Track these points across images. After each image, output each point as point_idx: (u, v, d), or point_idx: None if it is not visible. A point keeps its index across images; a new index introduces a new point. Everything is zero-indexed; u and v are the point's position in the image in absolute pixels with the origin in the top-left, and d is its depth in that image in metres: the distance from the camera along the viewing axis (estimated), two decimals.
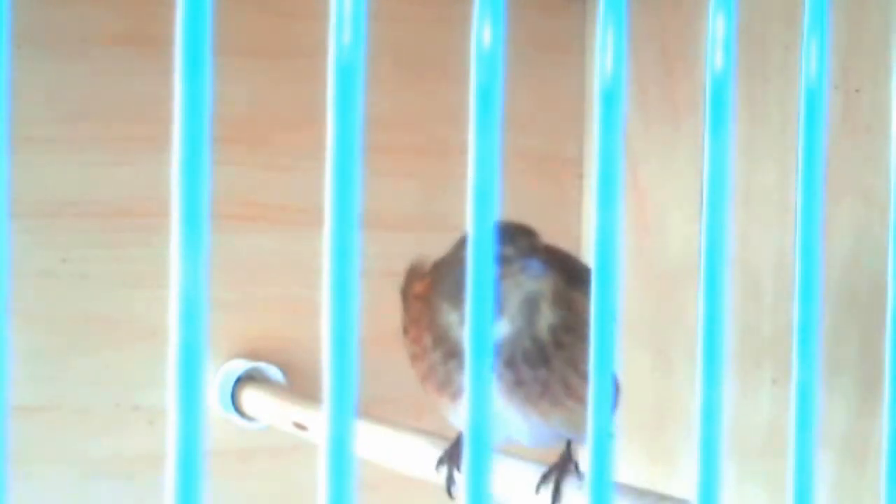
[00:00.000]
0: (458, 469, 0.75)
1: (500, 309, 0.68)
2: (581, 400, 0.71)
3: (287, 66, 1.00)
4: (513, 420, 0.71)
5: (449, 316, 0.71)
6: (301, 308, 1.01)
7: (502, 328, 0.69)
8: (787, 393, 0.35)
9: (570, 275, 0.72)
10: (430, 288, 0.73)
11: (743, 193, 0.92)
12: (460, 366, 0.70)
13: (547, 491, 0.70)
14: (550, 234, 0.75)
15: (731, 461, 0.92)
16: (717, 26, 0.33)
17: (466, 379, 0.30)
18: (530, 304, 0.69)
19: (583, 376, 0.70)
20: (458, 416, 0.73)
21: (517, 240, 0.67)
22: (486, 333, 0.30)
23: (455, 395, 0.72)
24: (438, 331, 0.71)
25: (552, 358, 0.70)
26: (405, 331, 0.75)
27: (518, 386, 0.70)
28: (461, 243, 0.70)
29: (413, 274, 0.75)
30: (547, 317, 0.69)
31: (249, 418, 0.98)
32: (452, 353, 0.71)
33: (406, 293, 0.75)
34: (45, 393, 0.96)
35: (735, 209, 0.91)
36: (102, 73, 0.97)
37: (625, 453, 1.01)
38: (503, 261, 0.67)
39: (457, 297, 0.70)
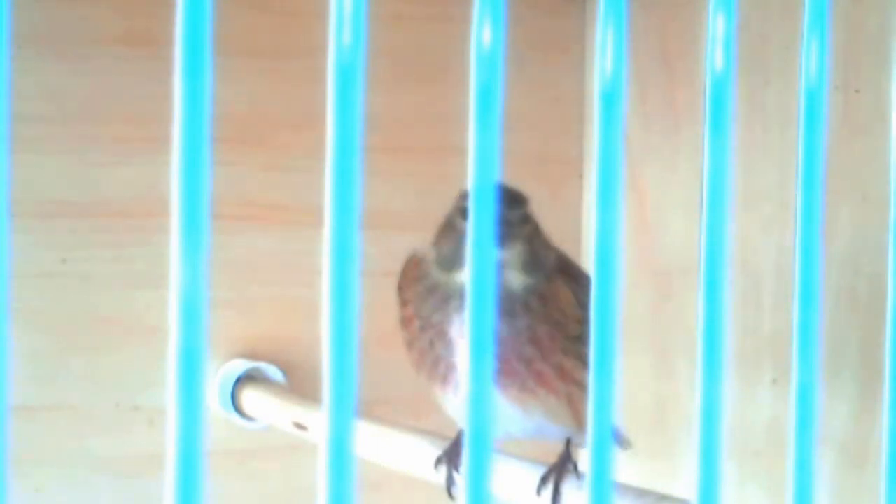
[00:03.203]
0: (457, 470, 0.75)
1: (462, 262, 0.69)
2: (556, 391, 0.71)
3: (287, 66, 1.00)
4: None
5: (439, 277, 0.71)
6: (301, 308, 1.01)
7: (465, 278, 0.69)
8: (787, 393, 0.35)
9: (563, 266, 0.72)
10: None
11: (743, 193, 0.92)
12: (448, 340, 0.70)
13: (547, 492, 0.70)
14: (550, 235, 0.75)
15: (731, 461, 0.92)
16: (717, 26, 0.33)
17: (465, 373, 0.30)
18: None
19: (554, 367, 0.70)
20: (453, 405, 0.73)
21: (507, 209, 0.68)
22: (487, 333, 0.30)
23: (446, 378, 0.72)
24: (428, 298, 0.72)
25: (520, 314, 0.70)
26: (401, 321, 0.75)
27: None
28: (453, 210, 0.71)
29: (409, 265, 0.75)
30: (515, 278, 0.70)
31: (249, 418, 0.98)
32: (442, 318, 0.71)
33: (399, 283, 0.75)
34: (45, 393, 0.96)
35: (735, 209, 0.91)
36: (102, 73, 0.97)
37: (625, 453, 1.01)
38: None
39: (448, 259, 0.70)
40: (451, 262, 0.70)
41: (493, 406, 0.71)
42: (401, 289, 0.75)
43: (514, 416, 0.72)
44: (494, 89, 0.30)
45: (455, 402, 0.72)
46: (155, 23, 0.95)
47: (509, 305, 0.70)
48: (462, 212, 0.69)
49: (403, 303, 0.74)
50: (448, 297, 0.70)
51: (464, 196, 0.70)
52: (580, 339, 0.71)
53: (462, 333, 0.70)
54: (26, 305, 0.95)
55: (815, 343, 0.35)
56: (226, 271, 0.99)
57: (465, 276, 0.69)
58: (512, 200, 0.70)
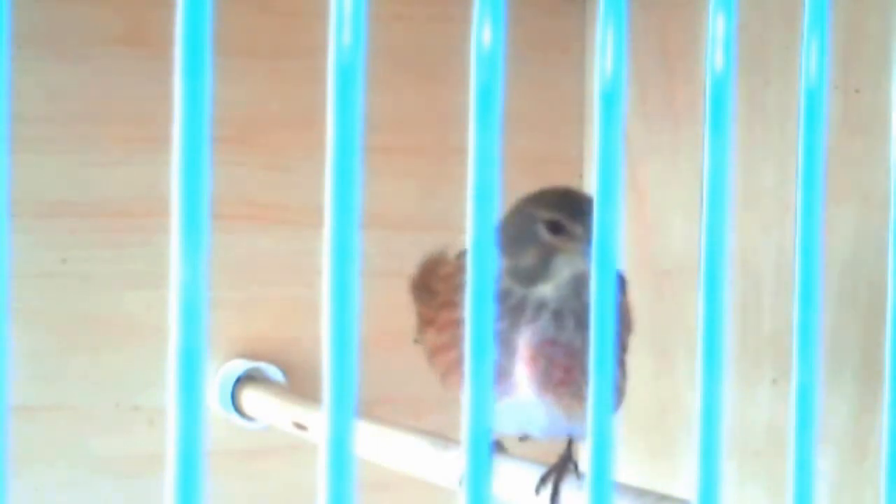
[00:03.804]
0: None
1: (547, 276, 0.69)
2: None
3: (287, 66, 1.01)
4: (534, 413, 0.70)
5: (513, 287, 0.70)
6: (301, 308, 1.01)
7: (549, 292, 0.69)
8: (787, 393, 0.35)
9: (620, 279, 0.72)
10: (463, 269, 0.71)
11: (743, 193, 0.92)
12: (511, 348, 0.69)
13: (546, 492, 0.70)
14: None
15: (731, 461, 0.92)
16: (717, 26, 0.33)
17: (468, 379, 0.30)
18: (579, 280, 0.68)
19: None
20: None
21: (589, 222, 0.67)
22: (487, 333, 0.30)
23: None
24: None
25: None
26: (427, 323, 0.73)
27: (552, 364, 0.69)
28: (529, 219, 0.70)
29: (432, 264, 0.74)
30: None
31: (249, 418, 0.98)
32: (507, 325, 0.69)
33: (425, 283, 0.74)
34: (45, 393, 0.96)
35: (735, 209, 0.91)
36: (102, 74, 0.97)
37: (625, 453, 1.01)
38: (568, 233, 0.68)
39: (530, 274, 0.69)
40: (534, 276, 0.69)
41: (522, 400, 0.69)
42: (423, 288, 0.74)
43: (549, 419, 0.71)
44: (494, 89, 0.30)
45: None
46: (155, 23, 0.95)
47: (588, 319, 0.69)
48: (549, 225, 0.69)
49: (446, 305, 0.72)
50: (521, 307, 0.69)
51: (532, 202, 0.70)
52: (625, 349, 0.71)
53: (529, 343, 0.69)
54: (26, 305, 0.95)
55: (815, 343, 0.35)
56: (226, 271, 0.99)
57: (549, 290, 0.69)
58: None
